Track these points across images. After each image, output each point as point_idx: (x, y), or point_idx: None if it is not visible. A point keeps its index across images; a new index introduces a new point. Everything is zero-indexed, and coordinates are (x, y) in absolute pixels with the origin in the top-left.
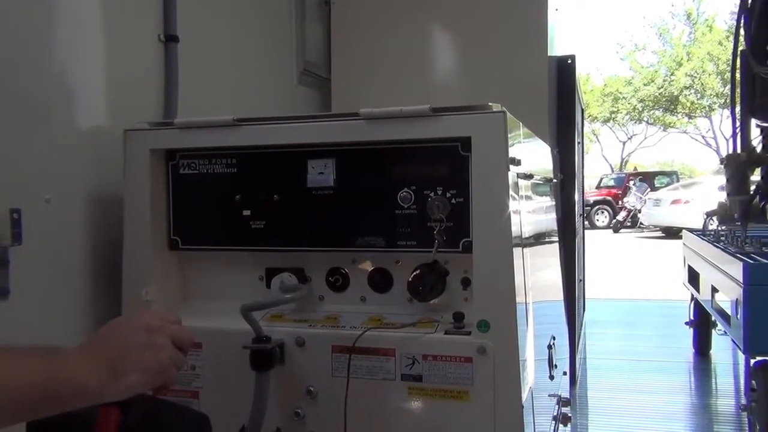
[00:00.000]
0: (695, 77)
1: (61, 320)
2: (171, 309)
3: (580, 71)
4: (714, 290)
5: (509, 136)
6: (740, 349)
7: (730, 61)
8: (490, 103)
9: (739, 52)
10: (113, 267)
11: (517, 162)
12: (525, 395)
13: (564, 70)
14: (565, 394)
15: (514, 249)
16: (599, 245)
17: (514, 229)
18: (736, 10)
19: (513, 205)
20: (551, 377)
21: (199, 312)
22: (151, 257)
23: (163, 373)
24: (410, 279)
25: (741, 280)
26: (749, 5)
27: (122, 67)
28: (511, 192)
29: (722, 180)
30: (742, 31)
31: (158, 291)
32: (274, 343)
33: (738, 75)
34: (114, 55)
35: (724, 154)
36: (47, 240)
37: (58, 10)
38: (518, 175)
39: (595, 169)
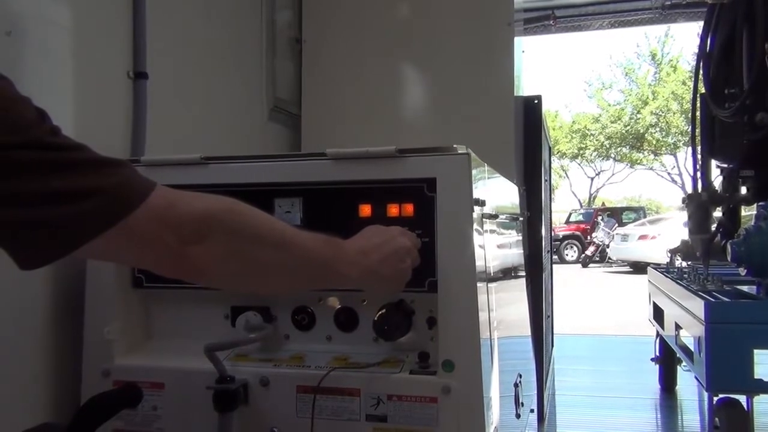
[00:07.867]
0: (660, 116)
1: (20, 356)
2: (133, 348)
3: (549, 108)
4: (678, 327)
5: (474, 177)
6: (703, 386)
7: (690, 104)
8: (455, 145)
9: (699, 96)
10: (76, 301)
11: (481, 203)
12: None
13: (531, 110)
14: None
15: (478, 286)
16: (569, 280)
17: (479, 267)
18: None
19: (478, 243)
20: (518, 416)
21: (163, 351)
22: (114, 295)
23: (401, 284)
24: (376, 318)
25: (703, 317)
26: (708, 51)
27: (90, 103)
28: (475, 232)
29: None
30: (701, 75)
31: (121, 329)
32: (238, 383)
33: (699, 117)
34: (82, 91)
35: (689, 190)
36: (7, 275)
37: (26, 46)
38: (483, 215)
39: (564, 204)
